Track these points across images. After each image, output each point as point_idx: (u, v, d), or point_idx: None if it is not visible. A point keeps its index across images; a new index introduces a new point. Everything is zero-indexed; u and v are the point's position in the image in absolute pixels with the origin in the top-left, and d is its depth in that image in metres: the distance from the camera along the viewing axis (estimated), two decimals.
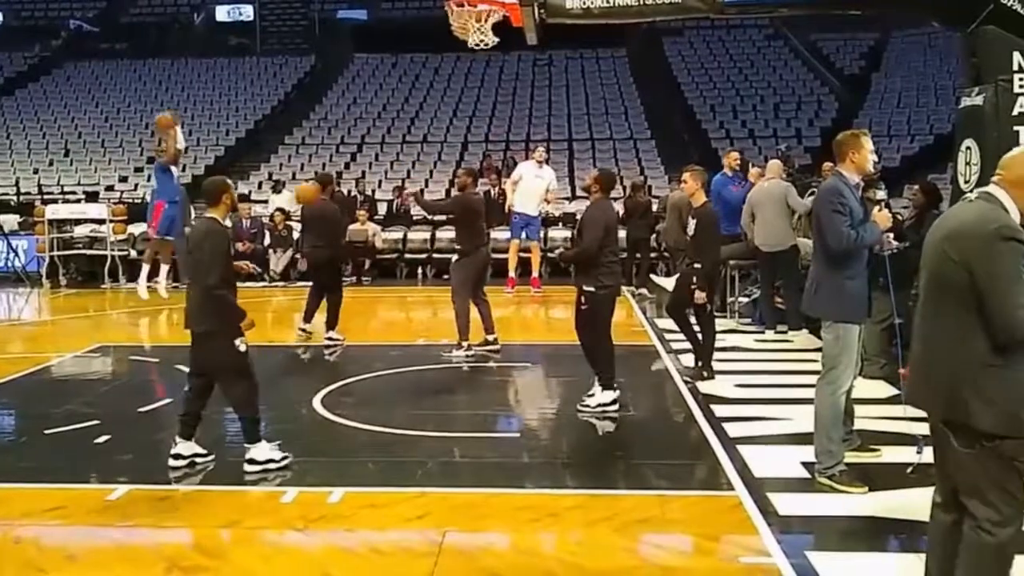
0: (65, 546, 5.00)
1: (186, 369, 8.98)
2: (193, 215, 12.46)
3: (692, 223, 8.46)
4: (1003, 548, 3.39)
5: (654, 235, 15.32)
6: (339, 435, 6.35)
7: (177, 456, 6.10)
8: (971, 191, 3.72)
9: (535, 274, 14.57)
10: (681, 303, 8.71)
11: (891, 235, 6.13)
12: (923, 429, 3.79)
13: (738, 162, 11.73)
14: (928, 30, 25.18)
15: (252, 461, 5.99)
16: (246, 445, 6.03)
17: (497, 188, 17.74)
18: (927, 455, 3.81)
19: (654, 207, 15.45)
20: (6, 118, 27.67)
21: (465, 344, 9.56)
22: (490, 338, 9.75)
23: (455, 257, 9.82)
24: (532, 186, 14.22)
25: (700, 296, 8.33)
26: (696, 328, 8.69)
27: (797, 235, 10.45)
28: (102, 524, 5.24)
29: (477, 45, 10.15)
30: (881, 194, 5.99)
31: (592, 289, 7.40)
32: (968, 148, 7.89)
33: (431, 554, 4.69)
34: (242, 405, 6.05)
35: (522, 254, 14.70)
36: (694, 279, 8.38)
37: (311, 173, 21.39)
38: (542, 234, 15.81)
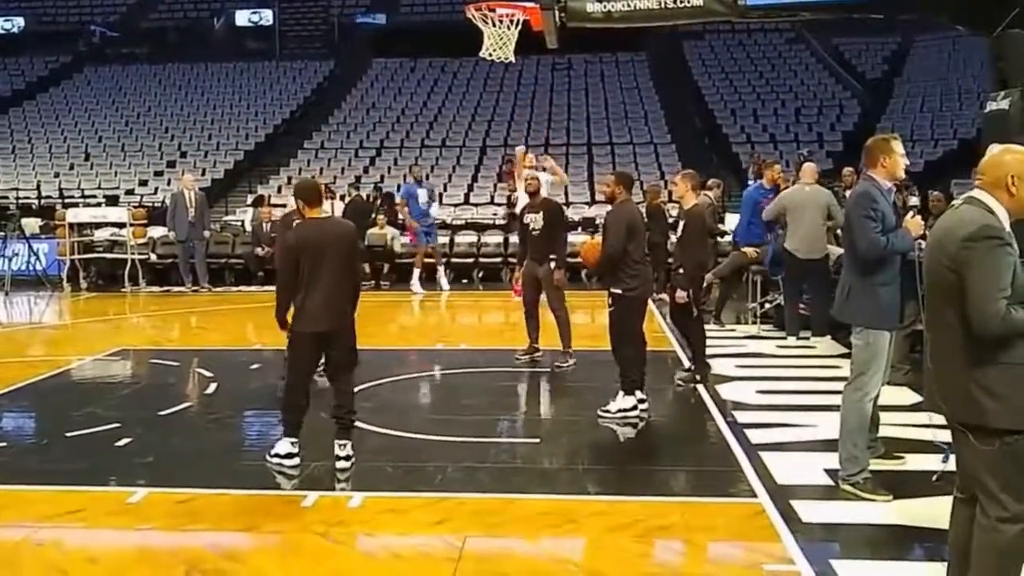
0: (86, 548, 5.00)
1: (207, 373, 9.18)
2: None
3: (680, 224, 8.41)
4: (1013, 544, 3.45)
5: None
6: (359, 439, 6.32)
7: (349, 457, 6.15)
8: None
9: None
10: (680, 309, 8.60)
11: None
12: (948, 436, 3.75)
13: (778, 176, 11.43)
14: (951, 34, 24.99)
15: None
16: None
17: (516, 193, 17.69)
18: (952, 462, 3.78)
19: (674, 212, 15.31)
20: (28, 122, 27.91)
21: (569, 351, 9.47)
22: (537, 346, 9.67)
23: (553, 265, 9.37)
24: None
25: (681, 296, 8.24)
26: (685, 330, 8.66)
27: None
28: (122, 527, 5.25)
29: (491, 55, 10.12)
30: (914, 200, 5.91)
31: (619, 292, 7.36)
32: None
33: (451, 559, 4.67)
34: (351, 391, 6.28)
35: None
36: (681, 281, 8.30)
37: (330, 177, 21.49)
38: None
